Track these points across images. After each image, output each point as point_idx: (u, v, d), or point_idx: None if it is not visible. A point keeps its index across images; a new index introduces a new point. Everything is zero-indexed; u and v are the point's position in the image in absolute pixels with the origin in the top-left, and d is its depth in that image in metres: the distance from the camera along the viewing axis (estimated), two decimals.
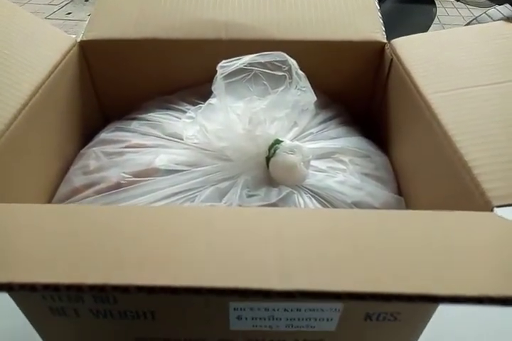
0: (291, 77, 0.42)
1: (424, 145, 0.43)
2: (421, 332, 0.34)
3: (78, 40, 0.52)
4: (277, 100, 0.42)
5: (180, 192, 0.41)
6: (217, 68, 0.41)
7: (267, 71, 0.42)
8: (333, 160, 0.46)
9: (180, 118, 0.50)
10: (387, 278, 0.22)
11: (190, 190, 0.41)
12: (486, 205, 0.32)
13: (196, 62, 0.54)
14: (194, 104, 0.52)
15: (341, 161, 0.46)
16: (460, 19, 1.94)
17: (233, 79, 0.41)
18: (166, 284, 0.17)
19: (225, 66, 0.41)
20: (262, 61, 0.42)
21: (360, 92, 0.57)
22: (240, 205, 0.38)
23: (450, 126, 0.39)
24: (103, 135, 0.50)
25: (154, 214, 0.28)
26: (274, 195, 0.40)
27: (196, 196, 0.40)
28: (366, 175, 0.46)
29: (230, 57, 0.52)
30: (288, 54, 0.52)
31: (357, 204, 0.43)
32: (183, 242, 0.23)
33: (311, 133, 0.48)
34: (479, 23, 1.05)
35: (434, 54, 0.47)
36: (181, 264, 0.20)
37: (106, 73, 0.55)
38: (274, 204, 0.39)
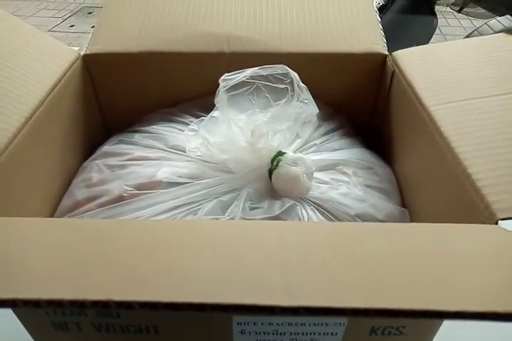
0: (293, 90, 0.42)
1: (427, 157, 0.43)
2: None
3: (82, 53, 0.52)
4: (279, 113, 0.42)
5: (183, 205, 0.41)
6: (220, 81, 0.42)
7: (268, 84, 0.42)
8: (336, 172, 0.46)
9: (182, 131, 0.50)
10: (392, 294, 0.22)
11: (192, 202, 0.41)
12: (490, 218, 0.32)
13: (198, 75, 0.54)
14: (196, 117, 0.52)
15: (344, 173, 0.46)
16: (461, 30, 1.95)
17: (235, 92, 0.41)
18: (170, 300, 0.17)
19: (227, 79, 0.41)
20: (264, 74, 0.42)
21: (363, 104, 0.57)
22: (243, 218, 0.38)
23: (453, 137, 0.39)
24: (106, 148, 0.50)
25: (157, 229, 0.28)
26: (277, 207, 0.40)
27: (199, 209, 0.40)
28: (369, 186, 0.46)
29: (232, 70, 0.52)
30: (290, 66, 0.52)
31: (360, 217, 0.42)
32: (186, 257, 0.23)
33: (314, 144, 0.48)
34: (480, 34, 1.06)
35: (436, 66, 0.47)
36: (185, 279, 0.20)
37: (109, 86, 0.55)
38: (277, 217, 0.39)
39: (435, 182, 0.41)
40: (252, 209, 0.40)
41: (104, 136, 0.55)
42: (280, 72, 0.42)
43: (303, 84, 0.42)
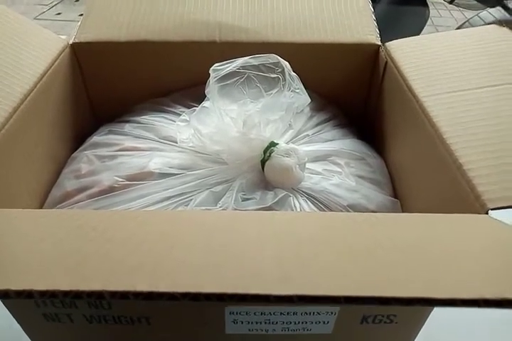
0: (284, 79, 0.42)
1: (418, 148, 0.43)
2: (417, 334, 0.34)
3: (70, 42, 0.51)
4: (271, 102, 0.41)
5: (175, 196, 0.41)
6: (210, 71, 0.41)
7: (260, 73, 0.41)
8: (328, 162, 0.46)
9: (174, 121, 0.49)
10: (384, 282, 0.22)
11: (184, 193, 0.41)
12: (481, 208, 0.33)
13: (189, 65, 0.54)
14: (188, 107, 0.52)
15: (337, 164, 0.46)
16: (452, 21, 1.95)
17: (226, 82, 0.41)
18: (165, 290, 0.17)
19: (218, 69, 0.41)
20: (255, 63, 0.41)
21: (355, 94, 0.57)
22: (236, 209, 0.38)
23: (445, 128, 0.39)
24: (95, 138, 0.49)
25: (149, 219, 0.27)
26: (270, 198, 0.40)
27: (191, 200, 0.40)
28: (361, 177, 0.46)
29: (224, 60, 0.52)
30: (282, 56, 0.52)
31: (352, 207, 0.42)
32: (179, 247, 0.23)
33: (307, 135, 0.48)
34: (472, 25, 1.06)
35: (428, 57, 0.47)
36: (178, 269, 0.20)
37: (98, 75, 0.54)
38: (269, 208, 0.39)
39: (426, 173, 0.41)
40: (244, 200, 0.39)
41: (93, 126, 0.55)
42: (271, 61, 0.41)
43: (294, 73, 0.42)
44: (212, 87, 0.41)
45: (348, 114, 0.56)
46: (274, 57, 0.41)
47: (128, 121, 0.51)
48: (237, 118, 0.41)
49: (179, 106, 0.52)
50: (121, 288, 0.17)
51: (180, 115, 0.50)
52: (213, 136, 0.41)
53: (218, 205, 0.39)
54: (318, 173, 0.45)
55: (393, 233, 0.29)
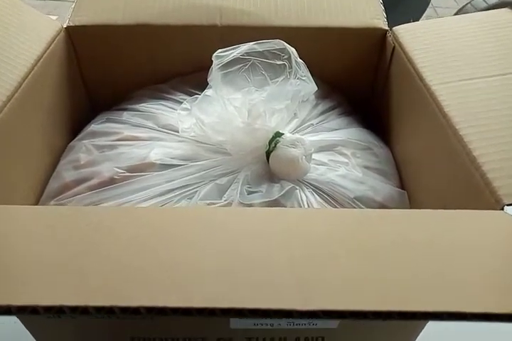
0: (290, 66, 0.40)
1: (429, 138, 0.41)
2: (423, 327, 0.34)
3: (64, 25, 0.49)
4: (277, 91, 0.40)
5: (177, 188, 0.39)
6: (213, 58, 0.39)
7: (265, 60, 0.40)
8: (334, 153, 0.45)
9: (174, 109, 0.48)
10: (400, 296, 0.21)
11: (187, 185, 0.40)
12: (496, 203, 0.32)
13: (189, 49, 0.52)
14: (188, 94, 0.50)
15: (343, 154, 0.45)
16: (452, 2, 1.91)
17: (230, 69, 0.39)
18: (178, 305, 0.16)
19: (221, 56, 0.39)
20: (260, 50, 0.40)
21: (361, 81, 0.55)
22: (241, 202, 0.37)
23: (457, 119, 0.37)
24: (93, 126, 0.47)
25: (155, 218, 0.26)
26: (276, 191, 0.38)
27: (195, 192, 0.39)
28: (368, 168, 0.45)
29: (225, 44, 0.50)
30: (286, 41, 0.50)
31: (359, 199, 0.41)
32: (188, 252, 0.22)
33: (311, 124, 0.47)
34: (474, 7, 1.04)
35: (438, 43, 0.45)
36: (190, 280, 0.19)
37: (94, 60, 0.52)
38: (276, 201, 0.38)
39: (437, 165, 0.40)
40: (250, 193, 0.38)
41: (90, 114, 0.53)
42: (277, 47, 0.40)
43: (301, 60, 0.40)
44: (215, 75, 0.39)
45: (352, 100, 0.55)
46: (280, 43, 0.40)
47: (126, 109, 0.49)
48: (241, 108, 0.39)
49: (179, 93, 0.50)
50: (132, 303, 0.16)
51: (180, 102, 0.48)
52: (216, 125, 0.40)
53: (223, 198, 0.38)
54: (324, 164, 0.43)
55: (403, 233, 0.27)
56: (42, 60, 0.44)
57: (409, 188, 0.45)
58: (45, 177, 0.45)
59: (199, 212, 0.28)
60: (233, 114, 0.40)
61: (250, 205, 0.37)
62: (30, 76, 0.42)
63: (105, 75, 0.53)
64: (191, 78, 0.52)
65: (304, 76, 0.40)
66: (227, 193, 0.38)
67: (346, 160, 0.44)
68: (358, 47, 0.52)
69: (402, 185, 0.46)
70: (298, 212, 0.28)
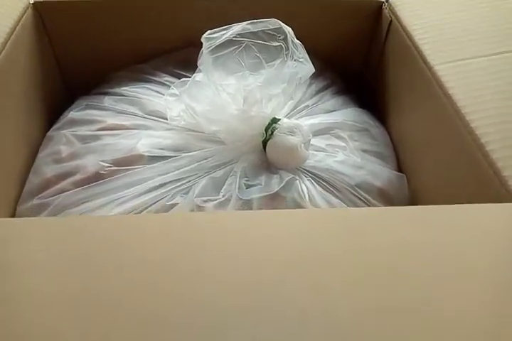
0: (287, 48, 0.37)
1: (431, 121, 0.40)
2: None
3: (31, 0, 0.44)
4: (273, 75, 0.37)
5: (170, 183, 0.37)
6: (202, 40, 0.36)
7: (260, 42, 0.37)
8: (331, 136, 0.43)
9: (160, 93, 0.44)
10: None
11: (181, 179, 0.37)
12: (507, 193, 0.30)
13: (171, 26, 0.48)
14: (173, 75, 0.46)
15: (340, 137, 0.43)
16: None
17: (222, 52, 0.36)
18: None
19: (212, 38, 0.36)
20: (254, 30, 0.36)
21: (354, 54, 0.52)
22: (240, 198, 0.35)
23: (462, 102, 0.35)
24: (72, 114, 0.44)
25: (162, 234, 0.24)
26: (276, 183, 0.36)
27: (189, 187, 0.37)
28: (366, 151, 0.43)
29: (211, 20, 0.46)
30: (274, 14, 0.46)
31: (359, 186, 0.40)
32: (205, 285, 0.20)
33: (307, 106, 0.44)
34: None
35: (438, 17, 0.42)
36: (205, 318, 0.17)
37: (67, 39, 0.48)
38: (276, 194, 0.36)
39: (440, 149, 0.39)
40: (248, 186, 0.36)
41: (65, 98, 0.49)
42: (272, 27, 0.37)
43: (298, 41, 0.37)
44: (205, 59, 0.36)
45: (345, 76, 0.52)
46: (275, 23, 0.36)
47: (106, 93, 0.45)
48: (235, 94, 0.37)
49: (163, 75, 0.46)
50: None
51: (165, 85, 0.45)
52: (209, 114, 0.37)
53: (221, 194, 0.36)
54: (321, 150, 0.41)
55: (409, 238, 0.25)
56: (10, 40, 0.40)
57: (407, 170, 0.44)
58: (24, 171, 0.42)
59: (204, 222, 0.25)
60: (227, 100, 0.37)
61: (249, 201, 0.35)
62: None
63: (80, 55, 0.49)
64: (174, 57, 0.49)
65: (302, 58, 0.38)
66: (224, 188, 0.36)
67: (344, 144, 0.43)
68: (351, 19, 0.49)
69: (399, 166, 0.45)
70: (299, 220, 0.26)
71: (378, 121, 0.48)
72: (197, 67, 0.46)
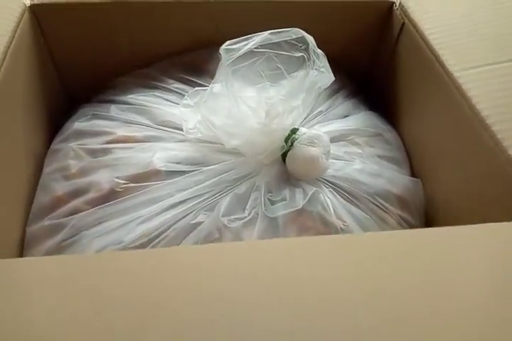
0: (309, 58, 0.36)
1: (450, 128, 0.39)
2: None
3: (27, 2, 0.41)
4: (295, 86, 0.36)
5: (191, 199, 0.36)
6: (221, 52, 0.34)
7: (282, 53, 0.35)
8: (347, 143, 0.42)
9: (169, 101, 0.43)
10: None
11: (201, 195, 0.36)
12: None
13: (175, 29, 0.46)
14: (181, 81, 0.44)
15: (356, 144, 0.42)
16: None
17: (242, 64, 0.35)
18: None
19: (231, 49, 0.34)
20: (276, 40, 0.35)
21: (361, 56, 0.51)
22: (267, 216, 0.34)
23: (486, 112, 0.35)
24: (77, 125, 0.42)
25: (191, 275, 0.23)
26: (300, 198, 0.36)
27: (211, 204, 0.35)
28: (381, 157, 0.43)
29: (218, 21, 0.45)
30: (281, 15, 0.45)
31: (378, 194, 0.40)
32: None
33: (320, 112, 0.43)
34: None
35: (456, 19, 0.42)
36: None
37: (66, 44, 0.45)
38: (302, 210, 0.35)
39: (463, 156, 0.38)
40: (273, 202, 0.35)
41: (66, 104, 0.47)
42: (294, 36, 0.35)
43: (320, 50, 0.36)
44: (225, 71, 0.34)
45: (352, 77, 0.51)
46: (297, 32, 0.35)
47: (112, 101, 0.43)
48: (256, 107, 0.35)
49: (171, 81, 0.44)
50: None
51: (174, 92, 0.44)
52: (228, 127, 0.36)
53: (246, 211, 0.35)
54: (339, 157, 0.41)
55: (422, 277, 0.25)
56: (11, 48, 0.37)
57: (422, 176, 0.44)
58: (30, 186, 0.40)
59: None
60: (247, 113, 0.36)
61: (276, 218, 0.34)
62: (2, 69, 0.35)
63: (80, 60, 0.46)
64: (179, 60, 0.47)
65: (323, 67, 0.36)
66: (248, 204, 0.35)
67: (360, 151, 0.42)
68: (360, 19, 0.47)
69: (412, 169, 0.45)
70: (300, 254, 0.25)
71: (389, 124, 0.47)
72: (204, 71, 0.45)
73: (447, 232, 0.27)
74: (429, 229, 0.30)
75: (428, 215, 0.43)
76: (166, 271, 0.23)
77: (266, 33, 0.35)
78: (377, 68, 0.52)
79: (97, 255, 0.30)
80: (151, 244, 0.33)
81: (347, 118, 0.44)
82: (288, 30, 0.35)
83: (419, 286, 0.23)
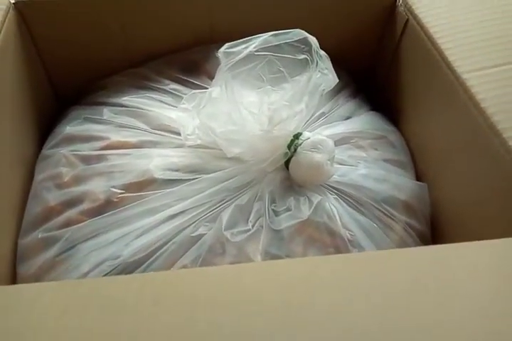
0: (312, 60, 0.34)
1: (457, 131, 0.38)
2: None
3: (12, 0, 0.39)
4: (298, 91, 0.34)
5: (191, 209, 0.34)
6: (220, 55, 0.32)
7: (284, 55, 0.33)
8: (351, 146, 0.41)
9: (163, 102, 0.41)
10: None
11: (202, 205, 0.34)
12: None
13: (170, 25, 0.43)
14: (177, 81, 0.43)
15: (360, 147, 0.41)
16: None
17: (242, 68, 0.33)
18: None
19: (230, 52, 0.32)
20: (277, 42, 0.33)
21: (362, 53, 0.49)
22: (272, 229, 0.33)
23: (496, 117, 0.34)
24: (69, 129, 0.40)
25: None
26: (306, 208, 0.34)
27: (212, 216, 0.34)
28: (387, 161, 0.41)
29: (214, 18, 0.43)
30: (279, 12, 0.43)
31: (384, 201, 0.38)
32: None
33: (323, 113, 0.42)
34: None
35: (463, 17, 0.40)
36: None
37: (54, 42, 0.43)
38: (308, 221, 0.34)
39: (471, 162, 0.37)
40: (278, 214, 0.34)
41: (55, 106, 0.45)
42: (296, 38, 0.33)
43: (323, 52, 0.34)
44: (224, 76, 0.32)
45: (353, 75, 0.49)
46: (299, 33, 0.33)
47: (105, 104, 0.41)
48: (258, 113, 0.34)
49: (166, 81, 0.42)
50: None
51: (169, 93, 0.42)
52: (229, 134, 0.34)
53: (250, 223, 0.33)
54: (344, 162, 0.39)
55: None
56: None
57: (427, 179, 0.43)
58: (22, 194, 0.38)
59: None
60: (248, 119, 0.34)
61: (281, 231, 0.33)
62: None
63: (68, 57, 0.44)
64: (173, 59, 0.45)
65: (326, 68, 0.35)
66: (252, 216, 0.34)
67: (365, 154, 0.41)
68: (362, 15, 0.46)
69: (416, 172, 0.44)
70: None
71: (392, 124, 0.46)
72: (202, 70, 0.43)
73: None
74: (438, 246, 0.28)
75: (432, 218, 0.42)
76: None
77: (266, 35, 0.33)
78: (379, 66, 0.50)
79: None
80: (150, 259, 0.32)
81: (350, 119, 0.43)
82: (289, 32, 0.33)
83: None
